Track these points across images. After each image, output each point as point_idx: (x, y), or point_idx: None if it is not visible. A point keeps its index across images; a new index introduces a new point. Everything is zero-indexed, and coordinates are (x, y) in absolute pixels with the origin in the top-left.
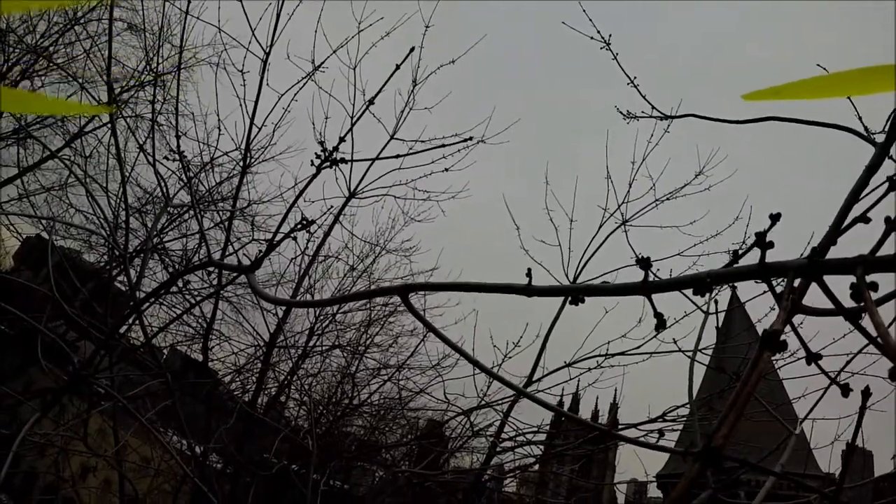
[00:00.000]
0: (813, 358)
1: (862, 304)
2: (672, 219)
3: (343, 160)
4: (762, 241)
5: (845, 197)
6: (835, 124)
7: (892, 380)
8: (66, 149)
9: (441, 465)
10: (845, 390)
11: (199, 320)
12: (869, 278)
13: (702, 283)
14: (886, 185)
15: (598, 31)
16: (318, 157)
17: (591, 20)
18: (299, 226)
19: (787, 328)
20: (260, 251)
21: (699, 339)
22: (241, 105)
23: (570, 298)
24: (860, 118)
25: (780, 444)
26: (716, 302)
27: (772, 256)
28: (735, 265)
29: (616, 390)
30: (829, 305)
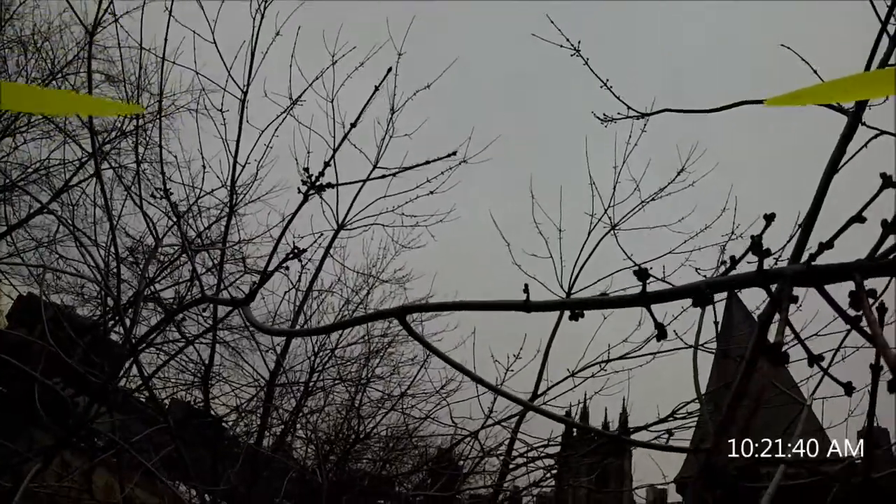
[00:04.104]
0: (815, 360)
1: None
2: (660, 218)
3: (329, 185)
4: (758, 248)
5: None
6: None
7: (891, 392)
8: (54, 202)
9: (454, 489)
10: (848, 389)
11: (198, 366)
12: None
13: (700, 293)
14: (880, 182)
15: (567, 39)
16: (304, 183)
17: (559, 30)
18: (291, 255)
19: (789, 329)
20: (254, 283)
21: (699, 332)
22: (223, 144)
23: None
24: None
25: (793, 420)
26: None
27: (767, 245)
28: (732, 272)
29: (624, 398)
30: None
